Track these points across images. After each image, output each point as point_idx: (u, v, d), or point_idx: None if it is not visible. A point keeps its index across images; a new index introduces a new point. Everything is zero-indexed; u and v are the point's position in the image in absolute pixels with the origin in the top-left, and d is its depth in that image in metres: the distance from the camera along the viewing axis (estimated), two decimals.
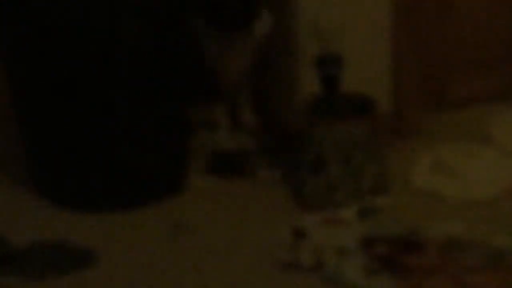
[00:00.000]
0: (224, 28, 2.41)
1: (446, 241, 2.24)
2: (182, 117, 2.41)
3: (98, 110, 2.26)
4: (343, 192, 2.38)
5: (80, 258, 2.19)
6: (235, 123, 2.64)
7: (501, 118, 2.78)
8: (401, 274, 2.12)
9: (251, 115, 2.63)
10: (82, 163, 2.32)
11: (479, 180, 2.51)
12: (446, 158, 2.63)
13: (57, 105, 2.27)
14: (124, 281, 2.10)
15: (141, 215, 2.34)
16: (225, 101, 2.60)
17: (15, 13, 2.22)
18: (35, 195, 2.49)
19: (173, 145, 2.42)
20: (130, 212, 2.35)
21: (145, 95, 2.31)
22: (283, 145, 2.60)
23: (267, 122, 2.67)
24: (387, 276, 2.12)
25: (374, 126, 2.41)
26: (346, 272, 2.13)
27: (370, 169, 2.42)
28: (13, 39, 2.26)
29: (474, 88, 2.79)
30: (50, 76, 2.23)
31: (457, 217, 2.33)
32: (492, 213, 2.37)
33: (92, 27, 2.20)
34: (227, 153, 2.61)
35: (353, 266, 2.15)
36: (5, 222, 2.36)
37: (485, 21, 2.77)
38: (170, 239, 2.24)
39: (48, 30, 2.18)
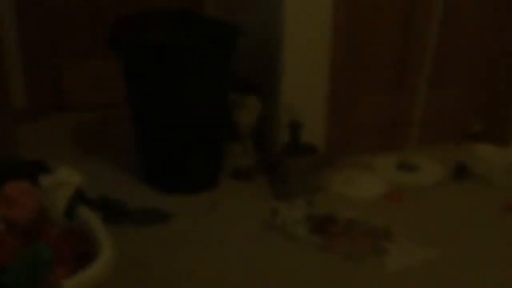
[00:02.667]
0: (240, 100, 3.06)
1: (348, 220, 2.86)
2: (222, 148, 3.10)
3: (181, 131, 2.91)
4: (299, 192, 2.98)
5: (162, 217, 2.86)
6: (246, 152, 3.16)
7: (380, 159, 3.34)
8: (325, 235, 2.73)
9: (254, 150, 3.17)
10: (170, 162, 3.01)
11: (368, 188, 3.09)
12: (350, 176, 3.18)
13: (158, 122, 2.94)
14: (184, 230, 2.76)
15: (195, 196, 3.02)
16: (241, 141, 3.15)
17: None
18: (138, 179, 3.02)
19: (217, 162, 3.11)
20: (190, 195, 3.02)
21: (212, 136, 2.96)
22: (271, 166, 3.13)
23: (263, 155, 3.20)
24: (318, 235, 2.74)
25: (315, 160, 3.01)
26: (298, 231, 2.77)
27: (312, 182, 3.04)
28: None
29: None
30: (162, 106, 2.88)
31: (354, 207, 2.94)
32: (373, 207, 2.95)
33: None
34: (242, 168, 3.13)
35: (302, 228, 2.79)
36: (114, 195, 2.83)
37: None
38: (208, 211, 2.93)
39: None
